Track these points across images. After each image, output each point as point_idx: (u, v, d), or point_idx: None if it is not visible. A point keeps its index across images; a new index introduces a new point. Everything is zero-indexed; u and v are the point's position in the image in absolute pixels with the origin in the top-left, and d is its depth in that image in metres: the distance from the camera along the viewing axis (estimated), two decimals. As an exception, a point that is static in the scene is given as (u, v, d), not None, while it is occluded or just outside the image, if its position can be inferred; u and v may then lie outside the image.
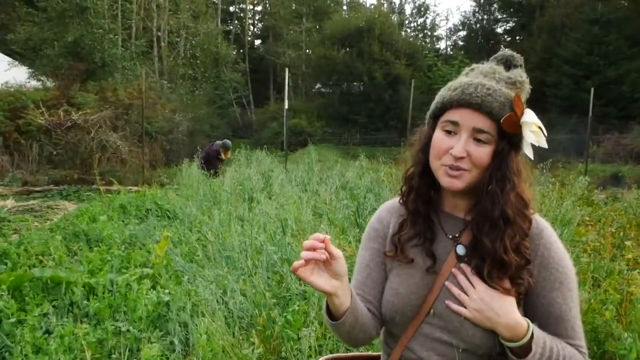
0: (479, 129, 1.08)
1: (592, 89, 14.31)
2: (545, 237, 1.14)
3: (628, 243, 3.69)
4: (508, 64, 1.18)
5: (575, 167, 10.92)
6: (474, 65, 1.21)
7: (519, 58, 1.19)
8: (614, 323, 2.58)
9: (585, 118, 14.74)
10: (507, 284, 1.08)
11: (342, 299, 1.11)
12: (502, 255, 1.07)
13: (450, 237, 1.18)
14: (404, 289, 1.18)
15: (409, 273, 1.19)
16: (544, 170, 5.94)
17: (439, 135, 1.14)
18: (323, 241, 1.03)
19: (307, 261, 1.03)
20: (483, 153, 1.09)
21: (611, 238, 4.01)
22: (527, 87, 1.16)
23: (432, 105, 1.19)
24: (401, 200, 1.27)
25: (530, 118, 1.07)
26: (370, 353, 1.44)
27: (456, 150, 1.08)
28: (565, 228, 3.91)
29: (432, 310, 1.14)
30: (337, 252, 1.06)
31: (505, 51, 1.21)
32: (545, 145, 1.09)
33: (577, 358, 1.11)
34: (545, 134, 1.10)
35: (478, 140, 1.09)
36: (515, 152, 1.11)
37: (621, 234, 4.24)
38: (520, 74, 1.16)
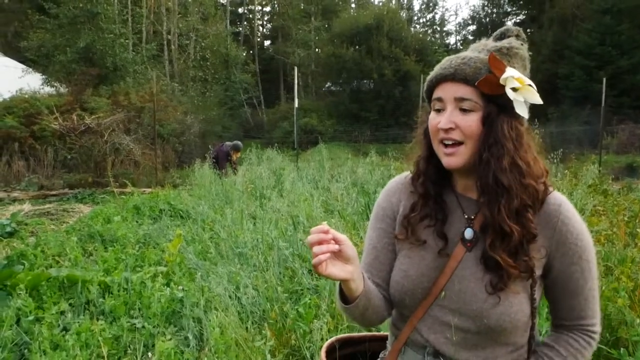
0: (460, 97, 1.07)
1: (605, 79, 14.14)
2: (563, 213, 1.11)
3: (640, 231, 3.66)
4: (501, 37, 1.16)
5: (589, 159, 10.79)
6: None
7: (514, 29, 1.16)
8: (627, 310, 2.57)
9: (599, 109, 14.58)
10: (509, 260, 1.05)
11: (358, 282, 1.10)
12: (503, 225, 1.05)
13: (467, 217, 1.16)
14: (414, 271, 1.17)
15: (420, 255, 1.18)
16: (555, 161, 5.88)
17: (431, 115, 1.14)
18: (327, 232, 1.02)
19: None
20: (470, 121, 1.07)
21: (624, 227, 3.97)
22: (522, 52, 1.12)
23: (424, 89, 1.20)
24: (411, 183, 1.25)
25: (510, 74, 1.04)
26: (380, 333, 1.43)
27: (442, 122, 1.08)
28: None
29: (443, 293, 1.13)
30: (342, 236, 1.04)
31: (504, 27, 1.18)
32: (539, 101, 1.06)
33: (584, 351, 1.13)
34: (535, 87, 1.06)
35: (464, 110, 1.08)
36: (507, 116, 1.07)
37: (636, 221, 4.20)
38: (509, 41, 1.12)
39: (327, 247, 1.01)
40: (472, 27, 42.04)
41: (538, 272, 1.10)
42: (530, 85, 1.06)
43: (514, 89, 1.04)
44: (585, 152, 14.38)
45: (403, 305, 1.20)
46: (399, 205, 1.27)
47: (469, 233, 1.14)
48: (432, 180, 1.19)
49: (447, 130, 1.08)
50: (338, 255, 1.05)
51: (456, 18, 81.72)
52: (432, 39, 39.58)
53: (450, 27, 47.22)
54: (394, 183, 1.32)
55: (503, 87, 1.04)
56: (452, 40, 43.85)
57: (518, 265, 1.06)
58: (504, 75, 1.04)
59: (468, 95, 1.07)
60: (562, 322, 1.16)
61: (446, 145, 1.10)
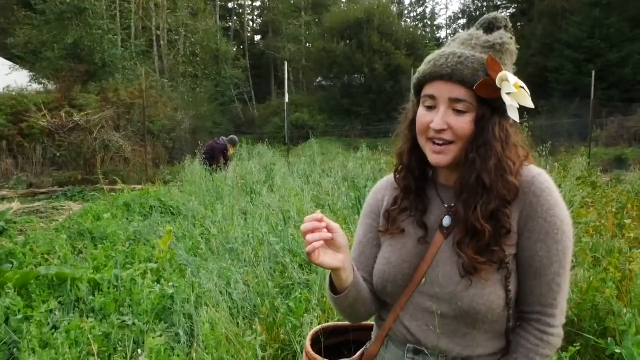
0: (455, 98, 1.05)
1: (594, 73, 14.22)
2: (536, 184, 1.07)
3: (628, 222, 3.68)
4: (490, 27, 1.13)
5: (579, 151, 10.86)
6: (457, 35, 1.17)
7: (502, 19, 1.13)
8: (614, 300, 2.59)
9: (588, 102, 14.67)
10: (476, 254, 1.04)
11: (348, 272, 1.12)
12: (474, 223, 1.04)
13: (447, 206, 1.16)
14: (396, 258, 1.18)
15: (401, 243, 1.19)
16: (545, 154, 5.91)
17: (420, 111, 1.12)
18: (321, 220, 1.03)
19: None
20: (463, 123, 1.06)
21: (612, 218, 4.00)
22: (512, 47, 1.11)
23: (412, 81, 1.17)
24: (393, 176, 1.27)
25: (507, 79, 1.03)
26: (365, 323, 1.42)
27: (435, 123, 1.06)
28: (566, 209, 3.90)
29: (424, 279, 1.13)
30: (335, 225, 1.05)
31: (489, 15, 1.15)
32: (531, 105, 1.05)
33: (538, 349, 1.07)
34: (528, 91, 1.05)
35: (458, 111, 1.06)
36: (499, 117, 1.07)
37: (624, 213, 4.23)
38: (500, 35, 1.10)
39: (320, 235, 1.02)
40: (462, 21, 42.22)
41: (512, 251, 1.08)
42: (523, 87, 1.05)
43: (509, 94, 1.04)
44: (575, 145, 14.47)
45: (385, 293, 1.20)
46: (384, 200, 1.29)
47: (447, 220, 1.15)
48: (414, 175, 1.20)
49: (439, 131, 1.07)
50: (330, 243, 1.06)
51: (447, 12, 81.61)
52: (423, 33, 39.67)
53: (440, 21, 47.40)
54: (382, 181, 1.35)
55: (499, 90, 1.04)
56: (442, 34, 44.03)
57: (488, 258, 1.04)
58: (502, 78, 1.03)
59: (463, 96, 1.05)
60: (522, 308, 1.11)
61: (435, 144, 1.09)
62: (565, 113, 19.72)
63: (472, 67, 1.05)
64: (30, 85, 16.84)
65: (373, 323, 1.35)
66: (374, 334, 1.31)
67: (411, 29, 35.95)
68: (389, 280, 1.18)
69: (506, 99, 1.03)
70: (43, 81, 16.96)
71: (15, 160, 12.35)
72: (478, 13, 39.03)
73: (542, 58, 24.62)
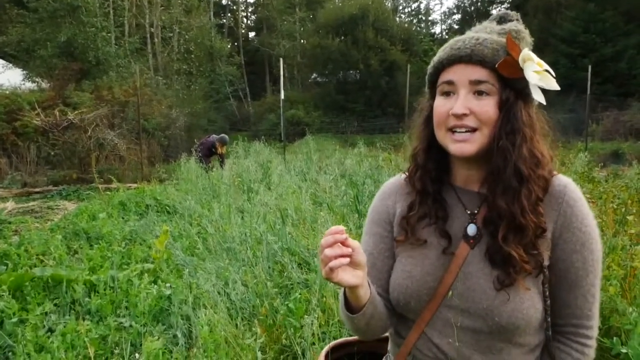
0: (476, 80, 0.99)
1: (590, 67, 14.22)
2: (568, 193, 1.03)
3: (630, 218, 3.65)
4: (503, 21, 1.09)
5: (575, 146, 10.86)
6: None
7: (514, 14, 1.09)
8: (619, 298, 2.55)
9: (584, 97, 14.69)
10: (522, 252, 0.98)
11: (366, 289, 1.03)
12: (520, 217, 0.98)
13: (469, 212, 1.09)
14: (418, 271, 1.09)
15: (423, 254, 1.10)
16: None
17: (438, 101, 1.06)
18: (342, 233, 0.93)
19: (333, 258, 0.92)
20: (486, 106, 0.99)
21: (613, 214, 3.97)
22: (528, 38, 1.06)
23: (427, 72, 1.11)
24: (407, 179, 1.18)
25: (530, 56, 0.99)
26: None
27: (456, 108, 0.99)
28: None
29: (450, 292, 1.05)
30: (354, 243, 0.96)
31: (499, 12, 1.12)
32: (556, 87, 1.00)
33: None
34: (553, 74, 1.00)
35: (479, 94, 1.00)
36: (524, 102, 1.02)
37: (623, 209, 4.20)
38: (514, 24, 1.05)
39: (342, 251, 0.92)
40: (457, 16, 42.15)
41: (546, 262, 1.03)
42: (547, 70, 0.99)
43: (534, 72, 0.99)
44: (571, 140, 14.48)
45: (408, 309, 1.12)
46: (395, 207, 1.19)
47: (472, 229, 1.07)
48: (431, 176, 1.12)
49: (460, 117, 1.00)
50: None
51: (441, 7, 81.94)
52: (418, 28, 39.61)
53: (435, 16, 47.26)
54: (389, 185, 1.25)
55: (521, 70, 0.98)
56: (437, 29, 43.95)
57: (530, 261, 0.99)
58: (525, 57, 0.98)
59: (484, 77, 0.99)
60: (555, 321, 1.07)
61: (454, 133, 1.02)
62: (560, 108, 19.72)
63: (491, 47, 1.00)
64: (24, 84, 16.72)
65: (385, 335, 1.27)
66: (391, 350, 1.24)
67: (406, 25, 35.92)
68: (412, 295, 1.10)
69: (531, 77, 0.98)
70: (36, 79, 16.84)
71: (9, 160, 12.26)
72: (472, 8, 39.00)
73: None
